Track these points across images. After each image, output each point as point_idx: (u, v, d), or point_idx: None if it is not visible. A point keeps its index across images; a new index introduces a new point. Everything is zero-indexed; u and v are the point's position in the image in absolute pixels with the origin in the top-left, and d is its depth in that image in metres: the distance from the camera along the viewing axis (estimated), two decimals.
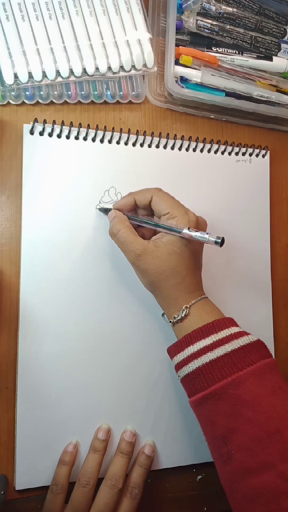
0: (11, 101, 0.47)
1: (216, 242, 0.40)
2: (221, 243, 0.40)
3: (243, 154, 0.57)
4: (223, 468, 0.39)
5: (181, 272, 0.43)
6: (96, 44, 0.48)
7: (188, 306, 0.43)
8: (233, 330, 0.41)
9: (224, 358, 0.39)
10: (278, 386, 0.39)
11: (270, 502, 0.35)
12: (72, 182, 0.48)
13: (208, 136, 0.55)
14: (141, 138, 0.51)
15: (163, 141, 0.52)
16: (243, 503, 0.37)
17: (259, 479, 0.36)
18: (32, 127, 0.47)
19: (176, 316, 0.43)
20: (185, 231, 0.41)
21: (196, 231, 0.41)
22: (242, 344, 0.40)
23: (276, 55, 0.57)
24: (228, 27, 0.53)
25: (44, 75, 0.46)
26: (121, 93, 0.51)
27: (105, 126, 0.50)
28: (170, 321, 0.44)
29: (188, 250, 0.43)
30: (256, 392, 0.38)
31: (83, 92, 0.49)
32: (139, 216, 0.46)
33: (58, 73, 0.47)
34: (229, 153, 0.56)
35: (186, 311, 0.42)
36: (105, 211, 0.48)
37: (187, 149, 0.54)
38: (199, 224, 0.44)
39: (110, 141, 0.50)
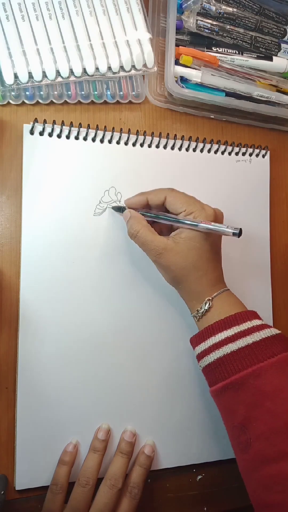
0: (11, 101, 0.47)
1: (234, 234, 0.40)
2: (239, 234, 0.40)
3: (243, 154, 0.57)
4: (241, 456, 0.40)
5: (203, 266, 0.43)
6: (96, 44, 0.48)
7: (211, 298, 0.43)
8: (256, 322, 0.42)
9: (245, 350, 0.40)
10: None
11: (287, 490, 0.36)
12: (72, 182, 0.48)
13: (208, 136, 0.55)
14: (141, 138, 0.51)
15: (163, 141, 0.52)
16: (260, 490, 0.38)
17: (277, 468, 0.36)
18: (32, 127, 0.47)
19: (199, 309, 0.44)
20: (202, 224, 0.42)
21: (213, 224, 0.41)
22: (264, 337, 0.40)
23: (276, 55, 0.56)
24: (228, 27, 0.53)
25: (44, 75, 0.46)
26: (121, 93, 0.51)
27: (105, 126, 0.50)
28: (193, 315, 0.45)
29: (207, 243, 0.43)
30: (276, 384, 0.38)
31: (83, 92, 0.49)
32: (154, 212, 0.46)
33: (58, 73, 0.47)
34: (229, 153, 0.56)
35: (209, 304, 0.43)
36: (119, 209, 0.48)
37: (187, 149, 0.54)
38: (217, 217, 0.45)
39: (110, 141, 0.50)
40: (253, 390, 0.38)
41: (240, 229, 0.40)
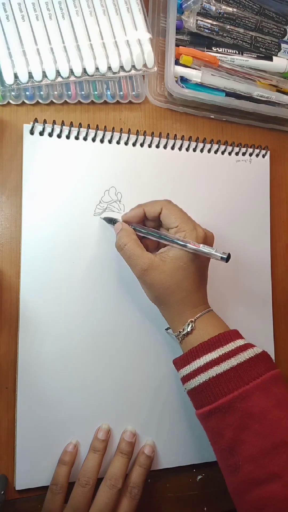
0: (11, 101, 0.47)
1: (222, 258, 0.40)
2: (227, 259, 0.40)
3: (243, 154, 0.57)
4: (231, 479, 0.39)
5: (187, 287, 0.43)
6: (96, 44, 0.48)
7: (193, 320, 0.43)
8: (239, 343, 0.41)
9: (231, 372, 0.39)
10: (283, 398, 0.39)
11: (278, 511, 0.36)
12: (72, 182, 0.48)
13: (208, 136, 0.55)
14: (141, 138, 0.51)
15: (163, 141, 0.52)
16: None
17: (266, 489, 0.36)
18: (32, 127, 0.47)
19: (181, 330, 0.43)
20: (190, 245, 0.41)
21: (201, 246, 0.41)
22: (248, 357, 0.40)
23: (276, 55, 0.57)
24: (228, 27, 0.53)
25: (44, 75, 0.46)
26: (121, 93, 0.51)
27: (105, 126, 0.50)
28: (175, 335, 0.44)
29: (194, 265, 0.43)
30: (263, 405, 0.38)
31: (83, 92, 0.49)
32: (145, 228, 0.45)
33: (58, 73, 0.47)
34: (229, 153, 0.56)
35: (191, 325, 0.43)
36: (110, 221, 0.48)
37: (187, 149, 0.54)
38: (207, 239, 0.44)
39: (110, 141, 0.50)
40: (240, 413, 0.38)
41: (229, 254, 0.40)
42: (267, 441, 0.37)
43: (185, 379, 0.42)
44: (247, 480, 0.37)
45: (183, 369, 0.43)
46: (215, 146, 0.55)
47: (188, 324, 0.43)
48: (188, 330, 0.43)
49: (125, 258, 0.44)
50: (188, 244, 0.41)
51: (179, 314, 0.43)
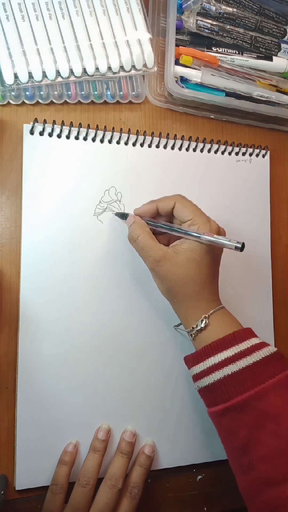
0: (11, 101, 0.47)
1: (236, 248, 0.39)
2: (242, 248, 0.39)
3: (243, 154, 0.57)
4: (243, 477, 0.39)
5: (200, 280, 0.42)
6: (96, 44, 0.48)
7: (207, 315, 0.42)
8: (254, 341, 0.41)
9: (246, 371, 0.39)
10: None
11: None
12: (72, 182, 0.48)
13: (208, 136, 0.55)
14: (141, 138, 0.51)
15: (163, 141, 0.52)
16: None
17: (281, 491, 0.36)
18: (32, 127, 0.47)
19: (194, 326, 0.43)
20: (205, 236, 0.41)
21: (215, 236, 0.41)
22: (263, 356, 0.40)
23: (276, 55, 0.57)
24: (228, 27, 0.53)
25: (44, 75, 0.46)
26: (121, 93, 0.51)
27: (105, 126, 0.50)
28: (188, 331, 0.44)
29: (208, 258, 0.42)
30: (279, 404, 0.38)
31: (83, 92, 0.49)
32: (159, 221, 0.45)
33: (58, 73, 0.47)
34: (229, 153, 0.56)
35: (206, 321, 0.42)
36: (122, 216, 0.48)
37: (187, 149, 0.54)
38: (220, 234, 0.44)
39: (110, 141, 0.50)
40: (255, 412, 0.38)
41: (243, 243, 0.39)
42: (283, 441, 0.37)
43: (198, 376, 0.42)
44: (261, 479, 0.37)
45: (196, 367, 0.42)
46: (215, 146, 0.55)
47: (202, 320, 0.42)
48: (202, 326, 0.42)
49: (138, 250, 0.44)
50: (202, 236, 0.41)
51: (192, 309, 0.43)
